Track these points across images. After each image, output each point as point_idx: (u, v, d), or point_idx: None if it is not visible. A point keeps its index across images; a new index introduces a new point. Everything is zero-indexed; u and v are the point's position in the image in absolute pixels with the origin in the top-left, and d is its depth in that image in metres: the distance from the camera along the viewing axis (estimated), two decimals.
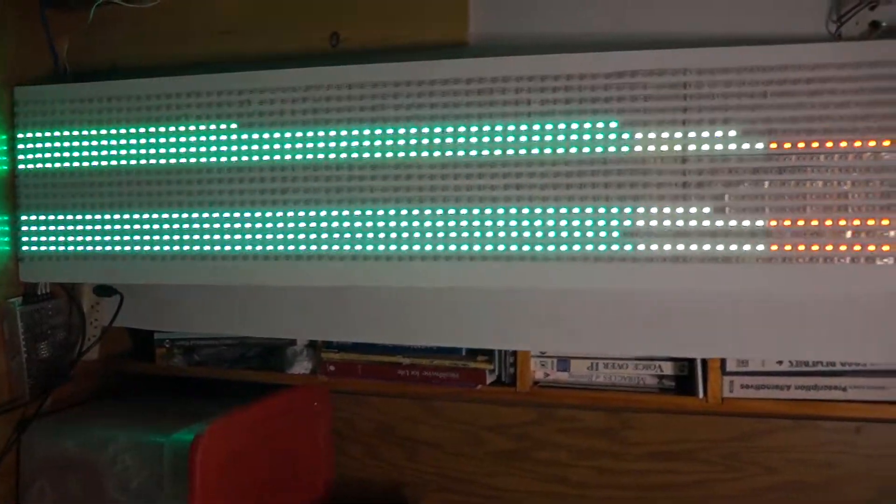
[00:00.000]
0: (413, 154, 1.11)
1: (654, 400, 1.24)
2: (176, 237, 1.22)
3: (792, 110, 1.00)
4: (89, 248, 1.27)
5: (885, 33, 1.02)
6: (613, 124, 1.05)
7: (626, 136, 1.05)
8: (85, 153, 1.25)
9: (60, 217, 1.28)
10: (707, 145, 1.03)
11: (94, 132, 1.25)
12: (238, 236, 1.19)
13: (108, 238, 1.25)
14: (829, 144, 1.00)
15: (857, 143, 0.99)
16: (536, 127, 1.07)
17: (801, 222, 1.01)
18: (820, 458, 1.33)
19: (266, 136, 1.17)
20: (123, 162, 1.24)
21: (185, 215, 1.21)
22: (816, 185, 1.00)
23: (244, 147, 1.18)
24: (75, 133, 1.26)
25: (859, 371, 1.15)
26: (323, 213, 1.15)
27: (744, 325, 1.13)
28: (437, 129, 1.10)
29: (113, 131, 1.24)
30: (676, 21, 1.10)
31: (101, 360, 1.44)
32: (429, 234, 1.11)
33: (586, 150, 1.06)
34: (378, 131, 1.12)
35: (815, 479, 1.33)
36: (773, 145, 1.01)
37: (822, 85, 0.99)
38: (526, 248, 1.08)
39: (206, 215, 1.20)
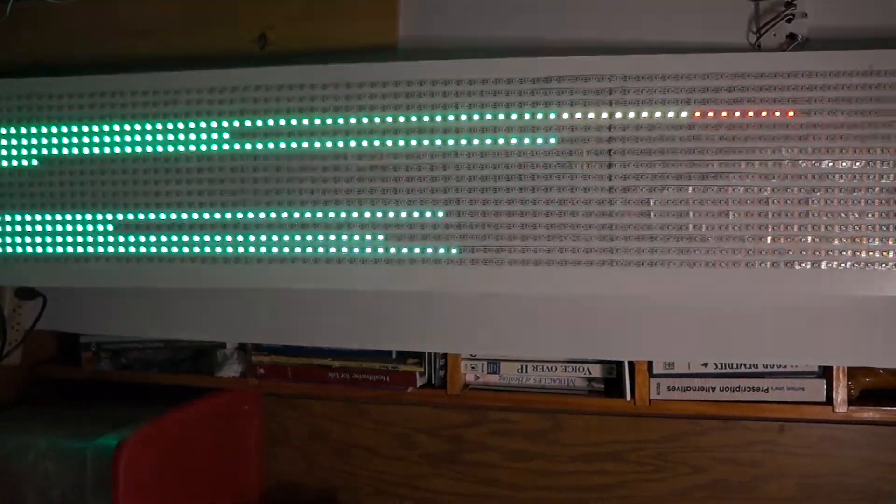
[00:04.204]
0: (340, 155, 1.11)
1: (583, 402, 1.25)
2: (100, 238, 1.19)
3: (714, 118, 1.02)
4: (9, 249, 1.22)
5: (801, 45, 1.05)
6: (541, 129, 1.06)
7: (552, 140, 1.06)
8: (3, 152, 1.21)
9: None
10: (632, 150, 1.04)
11: (13, 130, 1.21)
12: (163, 237, 1.17)
13: (28, 239, 1.21)
14: (750, 152, 1.01)
15: (776, 151, 1.01)
16: (465, 130, 1.07)
17: (723, 228, 1.03)
18: (745, 457, 1.35)
19: (192, 136, 1.14)
20: (44, 161, 1.20)
21: (108, 216, 1.18)
22: (738, 191, 1.02)
23: (170, 147, 1.15)
24: None
25: (780, 373, 1.18)
26: (250, 215, 1.14)
27: (670, 328, 1.15)
28: (365, 132, 1.09)
29: (34, 129, 1.20)
30: (604, 28, 1.11)
31: (24, 364, 1.40)
32: (356, 237, 1.11)
33: (513, 154, 1.06)
34: (306, 133, 1.11)
35: (741, 477, 1.36)
36: (696, 151, 1.03)
37: (742, 94, 1.01)
38: (455, 250, 1.08)
39: (130, 216, 1.17)
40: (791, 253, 1.02)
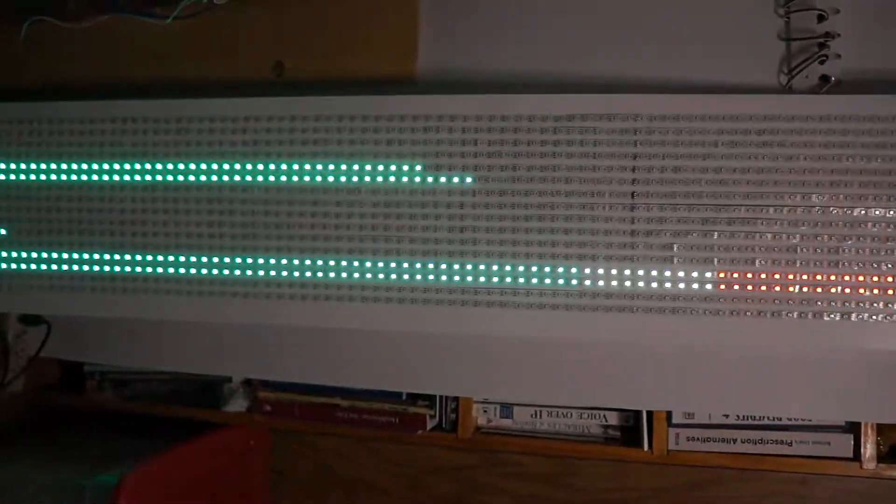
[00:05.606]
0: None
1: (598, 450, 1.21)
2: (106, 268, 1.17)
3: (742, 161, 0.99)
4: (16, 277, 1.20)
5: (833, 88, 1.01)
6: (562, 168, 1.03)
7: (573, 179, 1.02)
8: (12, 177, 1.19)
9: None
10: (657, 193, 1.00)
11: (24, 155, 1.18)
12: (171, 270, 1.14)
13: (34, 267, 1.19)
14: (779, 197, 0.98)
15: (806, 197, 0.97)
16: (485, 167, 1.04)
17: (749, 275, 0.99)
18: None
19: (203, 166, 1.12)
20: (54, 188, 1.18)
21: (117, 246, 1.16)
22: (765, 238, 0.99)
23: (180, 177, 1.13)
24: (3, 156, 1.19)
25: (805, 426, 1.13)
26: (261, 251, 1.11)
27: (690, 377, 1.11)
28: (381, 167, 1.07)
29: (44, 155, 1.18)
30: (629, 66, 1.08)
31: (27, 392, 1.37)
32: (369, 276, 1.08)
33: (532, 195, 1.03)
34: (320, 166, 1.08)
35: None
36: (723, 196, 0.99)
37: (772, 136, 0.98)
38: (473, 294, 1.05)
39: (138, 248, 1.15)
40: (820, 303, 0.98)
